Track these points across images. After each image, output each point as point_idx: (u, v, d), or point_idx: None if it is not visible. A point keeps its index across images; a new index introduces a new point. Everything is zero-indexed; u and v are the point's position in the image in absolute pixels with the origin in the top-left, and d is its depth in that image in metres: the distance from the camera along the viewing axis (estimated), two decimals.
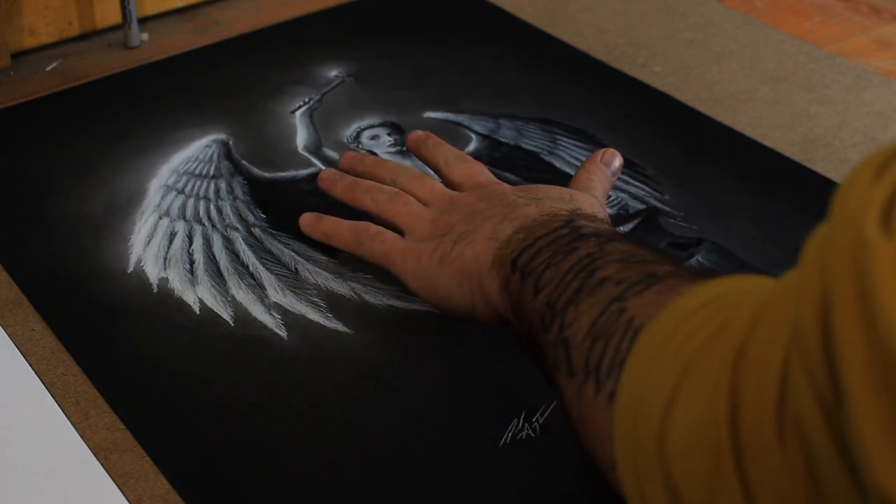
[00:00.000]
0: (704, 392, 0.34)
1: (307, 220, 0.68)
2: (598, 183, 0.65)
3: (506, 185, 0.65)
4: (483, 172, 0.67)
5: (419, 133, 0.71)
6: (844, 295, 0.28)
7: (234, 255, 0.69)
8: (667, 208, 0.74)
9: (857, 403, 0.27)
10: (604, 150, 0.68)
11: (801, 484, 0.30)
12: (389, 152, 0.79)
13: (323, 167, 0.77)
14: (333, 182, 0.69)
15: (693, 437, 0.34)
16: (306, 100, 0.85)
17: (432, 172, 0.71)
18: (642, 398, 0.38)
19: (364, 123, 0.83)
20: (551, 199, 0.60)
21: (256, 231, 0.71)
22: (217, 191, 0.75)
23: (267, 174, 0.77)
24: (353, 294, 0.67)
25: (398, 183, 0.67)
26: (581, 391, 0.45)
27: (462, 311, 0.60)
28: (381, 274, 0.68)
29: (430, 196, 0.65)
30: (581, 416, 0.46)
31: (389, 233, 0.64)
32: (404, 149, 0.79)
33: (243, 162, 0.78)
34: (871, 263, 0.27)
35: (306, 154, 0.79)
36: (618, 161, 0.68)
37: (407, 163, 0.78)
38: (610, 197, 0.74)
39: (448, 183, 0.67)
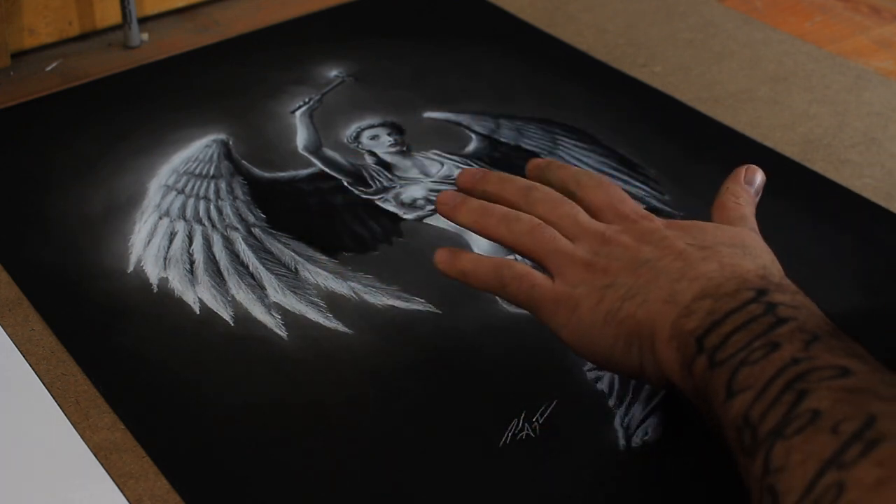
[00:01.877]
0: None
1: (443, 257, 0.58)
2: (748, 209, 0.59)
3: (658, 220, 0.57)
4: (623, 198, 0.59)
5: (540, 160, 0.63)
6: None
7: (234, 255, 0.69)
8: (667, 209, 0.74)
9: None
10: (745, 167, 0.61)
11: None
12: (389, 152, 0.79)
13: (323, 167, 0.77)
14: (456, 207, 0.59)
15: None
16: (306, 100, 0.85)
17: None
18: None
19: (364, 123, 0.83)
20: (729, 250, 0.53)
21: (256, 231, 0.71)
22: (217, 191, 0.75)
23: (267, 174, 0.77)
24: (353, 294, 0.67)
25: (535, 209, 0.58)
26: None
27: (625, 372, 0.55)
28: (381, 274, 0.68)
29: (577, 230, 0.57)
30: None
31: (539, 275, 0.56)
32: (404, 149, 0.79)
33: (243, 162, 0.78)
34: None
35: (306, 154, 0.79)
36: (760, 177, 0.61)
37: (408, 163, 0.78)
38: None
39: (586, 208, 0.59)
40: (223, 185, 0.75)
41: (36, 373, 0.61)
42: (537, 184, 0.60)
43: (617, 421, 0.59)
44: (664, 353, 0.51)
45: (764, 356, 0.46)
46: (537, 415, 0.59)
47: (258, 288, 0.67)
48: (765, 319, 0.47)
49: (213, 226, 0.72)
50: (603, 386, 0.61)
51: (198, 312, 0.65)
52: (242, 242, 0.70)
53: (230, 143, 0.80)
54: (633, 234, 0.56)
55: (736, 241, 0.54)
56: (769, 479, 0.42)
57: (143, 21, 0.93)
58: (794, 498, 0.41)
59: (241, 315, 0.65)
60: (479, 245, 0.69)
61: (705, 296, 0.50)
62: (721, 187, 0.60)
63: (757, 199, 0.60)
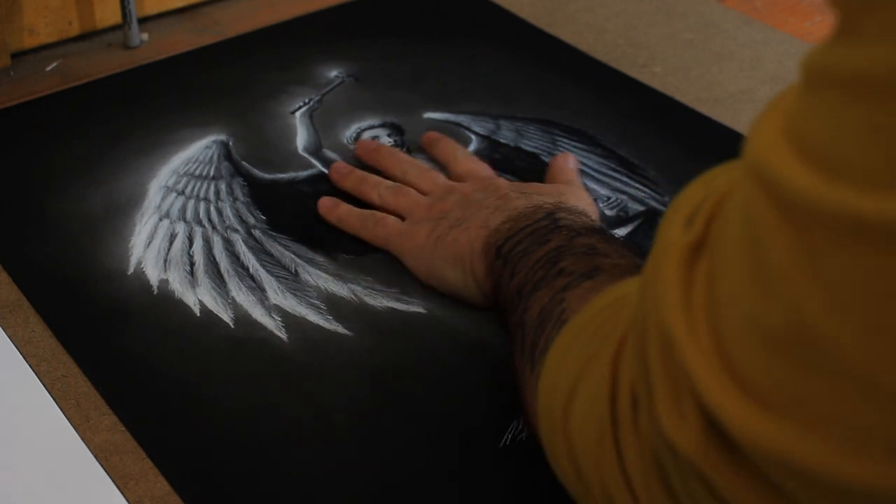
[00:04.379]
0: (597, 376, 0.41)
1: (326, 204, 0.72)
2: (575, 175, 0.73)
3: (503, 179, 0.70)
4: (485, 169, 0.73)
5: (434, 133, 0.78)
6: (650, 299, 0.35)
7: (235, 256, 0.69)
8: (666, 210, 0.74)
9: (652, 370, 0.34)
10: (561, 155, 0.76)
11: (648, 451, 0.36)
12: None
13: (323, 168, 0.77)
14: (344, 175, 0.74)
15: (587, 414, 0.41)
16: (306, 100, 0.85)
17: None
18: (556, 382, 0.45)
19: (364, 124, 0.83)
20: (540, 194, 0.65)
21: (256, 233, 0.71)
22: (217, 192, 0.75)
23: (267, 175, 0.77)
24: (353, 296, 0.67)
25: (407, 175, 0.73)
26: (525, 371, 0.52)
27: (455, 291, 0.65)
28: (381, 276, 0.68)
29: (432, 187, 0.71)
30: (524, 392, 0.52)
31: (391, 218, 0.69)
32: (404, 149, 0.79)
33: (243, 163, 0.78)
34: (665, 262, 0.34)
35: (306, 155, 0.79)
36: (572, 159, 0.75)
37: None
38: (610, 199, 0.74)
39: (452, 176, 0.73)
40: (223, 187, 0.75)
41: (36, 374, 0.61)
42: (414, 159, 0.75)
43: None
44: (477, 265, 0.62)
45: (537, 248, 0.57)
46: None
47: (258, 290, 0.67)
48: (546, 226, 0.59)
49: (214, 227, 0.72)
50: None
51: (198, 314, 0.65)
52: (243, 244, 0.70)
53: (230, 143, 0.80)
54: (474, 185, 0.69)
55: (553, 191, 0.67)
56: (522, 319, 0.53)
57: (143, 21, 0.93)
58: (532, 321, 0.52)
59: (242, 317, 0.65)
60: None
61: (509, 220, 0.62)
62: (549, 167, 0.74)
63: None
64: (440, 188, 0.70)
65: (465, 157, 0.75)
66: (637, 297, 0.37)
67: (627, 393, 0.38)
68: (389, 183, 0.73)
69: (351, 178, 0.74)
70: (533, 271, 0.56)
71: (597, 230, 0.59)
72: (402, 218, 0.70)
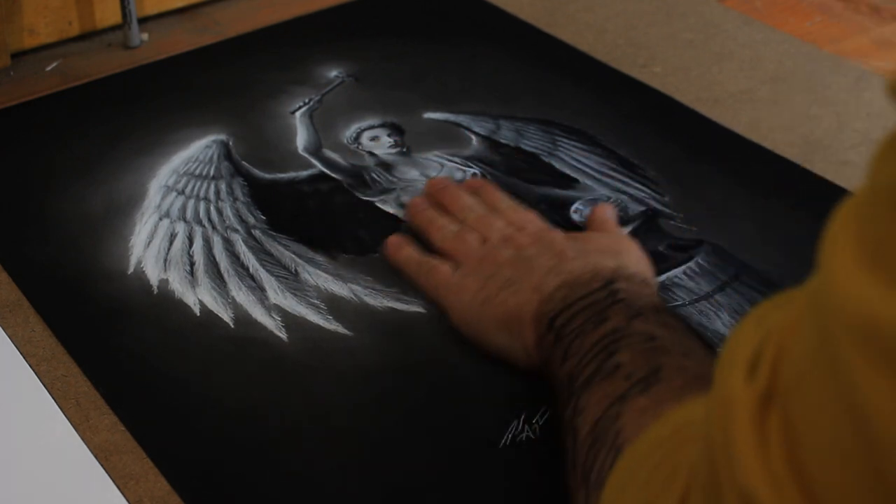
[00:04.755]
0: None
1: (395, 242, 0.69)
2: (612, 222, 0.69)
3: (558, 232, 0.66)
4: (535, 219, 0.68)
5: (476, 181, 0.74)
6: (723, 461, 0.32)
7: (235, 256, 0.69)
8: (667, 210, 0.74)
9: None
10: (602, 206, 0.71)
11: None
12: (389, 153, 0.79)
13: (323, 168, 0.77)
14: (418, 212, 0.72)
15: None
16: (306, 100, 0.85)
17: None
18: None
19: (364, 124, 0.83)
20: (599, 253, 0.62)
21: (256, 233, 0.71)
22: (217, 192, 0.75)
23: (267, 175, 0.77)
24: (352, 296, 0.67)
25: (467, 219, 0.69)
26: (576, 487, 0.49)
27: (501, 354, 0.61)
28: (381, 276, 0.68)
29: (489, 233, 0.67)
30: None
31: (444, 266, 0.66)
32: (404, 150, 0.79)
33: (243, 163, 0.78)
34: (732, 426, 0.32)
35: (306, 155, 0.79)
36: (610, 210, 0.71)
37: (408, 164, 0.78)
38: (610, 199, 0.74)
39: (517, 225, 0.68)
40: (223, 187, 0.75)
41: (36, 374, 0.61)
42: (477, 202, 0.71)
43: None
44: (527, 333, 0.59)
45: (594, 328, 0.54)
46: (537, 416, 0.59)
47: (258, 290, 0.67)
48: (604, 301, 0.56)
49: (214, 227, 0.72)
50: None
51: (198, 314, 0.65)
52: (243, 244, 0.70)
53: (230, 143, 0.80)
54: (530, 237, 0.65)
55: (613, 247, 0.63)
56: (574, 420, 0.50)
57: (143, 21, 0.93)
58: (587, 429, 0.49)
59: (242, 317, 0.65)
60: None
61: (564, 286, 0.58)
62: (591, 219, 0.70)
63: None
64: (496, 236, 0.67)
65: (509, 208, 0.70)
66: (702, 446, 0.34)
67: None
68: (454, 228, 0.69)
69: (422, 216, 0.71)
70: (585, 361, 0.52)
71: (658, 309, 0.55)
72: (456, 263, 0.67)
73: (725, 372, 0.33)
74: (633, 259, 0.63)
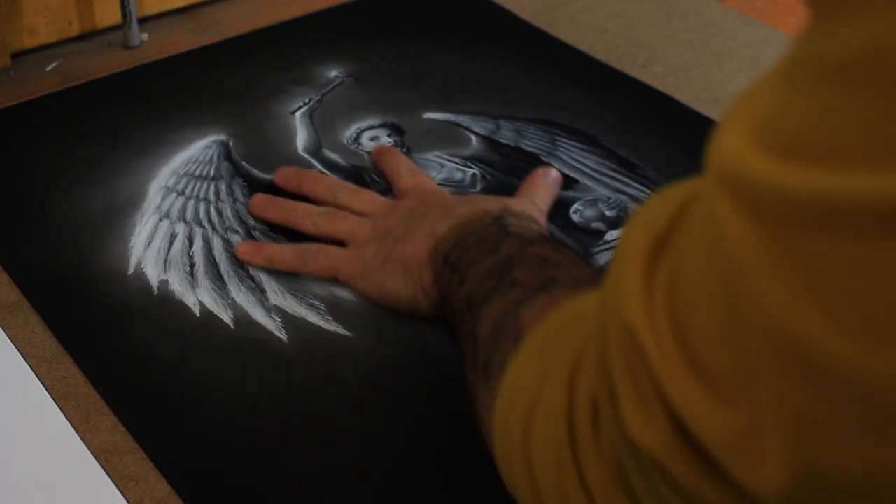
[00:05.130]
0: (554, 396, 0.39)
1: (246, 249, 0.68)
2: (542, 191, 0.71)
3: (446, 191, 0.70)
4: (429, 182, 0.72)
5: (383, 147, 0.77)
6: (611, 302, 0.34)
7: (235, 257, 0.69)
8: None
9: (616, 374, 0.33)
10: (541, 168, 0.74)
11: (612, 466, 0.36)
12: None
13: (323, 169, 0.77)
14: (266, 208, 0.71)
15: (545, 434, 0.40)
16: (306, 100, 0.85)
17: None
18: (514, 400, 0.44)
19: (364, 124, 0.83)
20: (484, 200, 0.65)
21: (256, 234, 0.71)
22: (217, 192, 0.75)
23: (267, 175, 0.77)
24: (353, 296, 0.67)
25: (339, 199, 0.70)
26: (479, 384, 0.50)
27: (407, 307, 0.63)
28: None
29: (370, 207, 0.69)
30: (478, 406, 0.51)
31: (332, 247, 0.67)
32: (404, 150, 0.79)
33: (243, 163, 0.78)
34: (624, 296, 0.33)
35: (306, 155, 0.79)
36: (554, 172, 0.74)
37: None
38: (609, 199, 0.74)
39: (397, 192, 0.71)
40: (223, 187, 0.75)
41: (36, 375, 0.61)
42: (342, 181, 0.73)
43: None
44: (425, 275, 0.61)
45: (488, 255, 0.55)
46: None
47: (258, 291, 0.67)
48: (496, 234, 0.57)
49: (214, 228, 0.72)
50: None
51: (198, 315, 0.65)
52: None
53: (230, 143, 0.80)
54: (417, 198, 0.68)
55: (498, 199, 0.66)
56: (474, 331, 0.52)
57: (143, 21, 0.93)
58: (488, 329, 0.50)
59: (242, 317, 0.65)
60: None
61: (456, 227, 0.60)
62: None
63: (556, 189, 0.73)
64: (380, 207, 0.68)
65: (410, 173, 0.72)
66: (597, 305, 0.36)
67: (587, 406, 0.37)
68: (322, 209, 0.69)
69: (277, 208, 0.70)
70: (483, 281, 0.54)
71: (548, 239, 0.58)
72: (342, 245, 0.67)
73: (627, 230, 0.35)
74: (518, 203, 0.66)
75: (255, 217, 0.72)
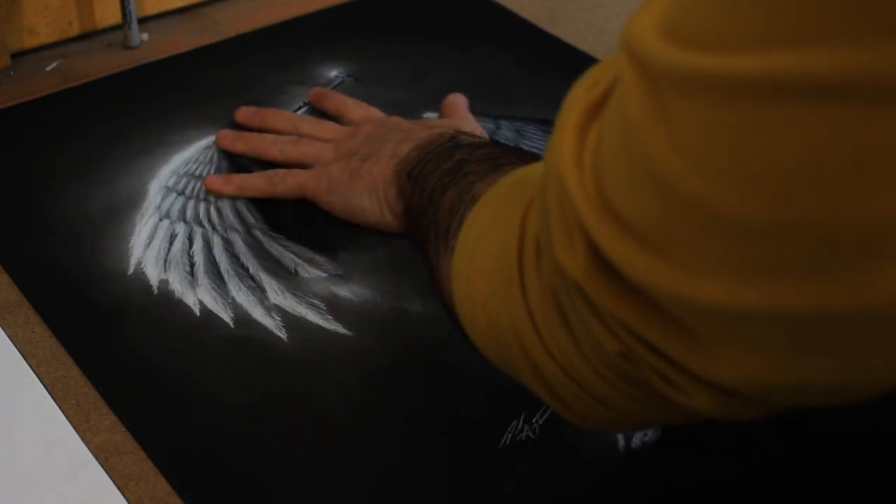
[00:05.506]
0: (504, 236, 0.46)
1: (215, 180, 0.73)
2: (468, 115, 0.78)
3: (400, 118, 0.75)
4: (378, 112, 0.78)
5: (321, 89, 0.82)
6: (553, 154, 0.40)
7: (235, 257, 0.69)
8: None
9: (550, 214, 0.39)
10: (450, 95, 0.80)
11: (549, 291, 0.42)
12: None
13: None
14: (234, 140, 0.76)
15: (496, 266, 0.46)
16: (306, 100, 0.85)
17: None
18: (465, 243, 0.50)
19: None
20: (440, 125, 0.71)
21: (256, 233, 0.71)
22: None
23: None
24: (352, 296, 0.67)
25: (301, 129, 0.76)
26: (440, 254, 0.56)
27: (373, 222, 0.69)
28: (381, 276, 0.68)
29: (332, 133, 0.75)
30: (442, 277, 0.55)
31: (298, 169, 0.72)
32: None
33: (243, 163, 0.78)
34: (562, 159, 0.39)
35: None
36: (461, 96, 0.80)
37: None
38: None
39: (348, 123, 0.77)
40: None
41: (36, 374, 0.61)
42: (303, 114, 0.78)
43: None
44: (390, 192, 0.67)
45: (444, 163, 0.62)
46: (537, 416, 0.59)
47: (258, 290, 0.67)
48: (449, 147, 0.64)
49: (214, 228, 0.72)
50: None
51: (198, 314, 0.65)
52: (242, 244, 0.70)
53: None
54: (376, 125, 0.74)
55: (451, 123, 0.72)
56: (435, 216, 0.58)
57: (143, 21, 0.93)
58: (445, 209, 0.57)
59: (242, 317, 0.65)
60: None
61: (416, 148, 0.66)
62: (441, 105, 0.79)
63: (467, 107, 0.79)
64: (342, 132, 0.74)
65: (357, 105, 0.78)
66: (545, 159, 0.41)
67: (532, 242, 0.43)
68: (287, 137, 0.75)
69: (243, 140, 0.76)
70: (441, 179, 0.60)
71: (497, 143, 0.65)
72: (306, 166, 0.73)
73: (573, 88, 0.40)
74: (469, 127, 0.72)
75: (254, 216, 0.72)
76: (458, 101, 0.79)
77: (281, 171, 0.72)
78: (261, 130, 0.77)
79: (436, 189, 0.60)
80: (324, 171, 0.71)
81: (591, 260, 0.37)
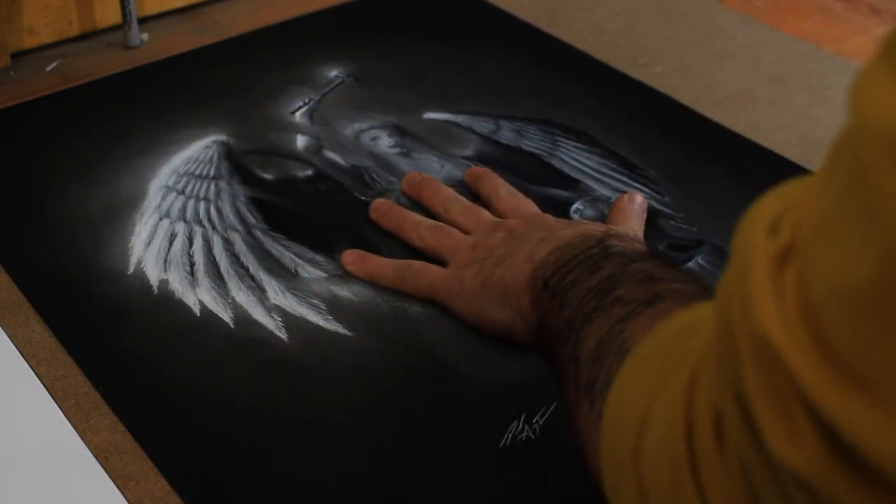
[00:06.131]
0: (669, 411, 0.37)
1: (351, 259, 0.68)
2: (634, 217, 0.70)
3: (549, 215, 0.68)
4: (531, 205, 0.70)
5: (479, 169, 0.76)
6: (738, 312, 0.32)
7: (235, 256, 0.69)
8: (667, 210, 0.74)
9: (750, 388, 0.30)
10: (626, 194, 0.72)
11: (740, 485, 0.33)
12: (389, 153, 0.79)
13: (323, 169, 0.77)
14: (384, 213, 0.72)
15: (660, 453, 0.37)
16: (306, 100, 0.85)
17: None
18: (622, 418, 0.41)
19: (364, 124, 0.83)
20: (588, 224, 0.63)
21: (256, 233, 0.71)
22: (217, 192, 0.75)
23: (267, 175, 0.77)
24: (353, 296, 0.67)
25: (450, 214, 0.70)
26: (581, 407, 0.48)
27: (504, 332, 0.62)
28: None
29: (476, 225, 0.68)
30: (581, 431, 0.48)
31: (432, 266, 0.67)
32: (404, 150, 0.79)
33: (243, 163, 0.78)
34: (751, 283, 0.31)
35: (306, 155, 0.79)
36: (640, 198, 0.71)
37: (408, 164, 0.78)
38: (610, 199, 0.74)
39: (497, 214, 0.70)
40: (223, 186, 0.75)
41: (36, 374, 0.61)
42: (458, 195, 0.72)
43: None
44: (523, 300, 0.59)
45: (589, 276, 0.54)
46: (537, 416, 0.59)
47: (258, 290, 0.67)
48: (597, 254, 0.55)
49: (214, 227, 0.72)
50: None
51: (198, 314, 0.65)
52: (242, 244, 0.70)
53: (230, 143, 0.80)
54: (521, 220, 0.67)
55: (601, 224, 0.64)
56: (575, 352, 0.50)
57: (143, 21, 0.93)
58: (587, 354, 0.48)
59: (242, 317, 0.65)
60: None
61: (556, 250, 0.58)
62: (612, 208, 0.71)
63: (643, 215, 0.71)
64: (484, 226, 0.68)
65: (509, 195, 0.72)
66: (713, 317, 0.34)
67: (709, 422, 0.34)
68: (430, 222, 0.70)
69: (391, 215, 0.72)
70: (585, 301, 0.52)
71: (654, 256, 0.55)
72: (444, 261, 0.67)
73: (745, 233, 0.33)
74: (621, 227, 0.65)
75: (254, 216, 0.72)
76: (627, 205, 0.70)
77: (415, 266, 0.67)
78: (415, 202, 0.74)
79: (577, 314, 0.52)
80: (456, 276, 0.65)
81: (825, 449, 0.28)
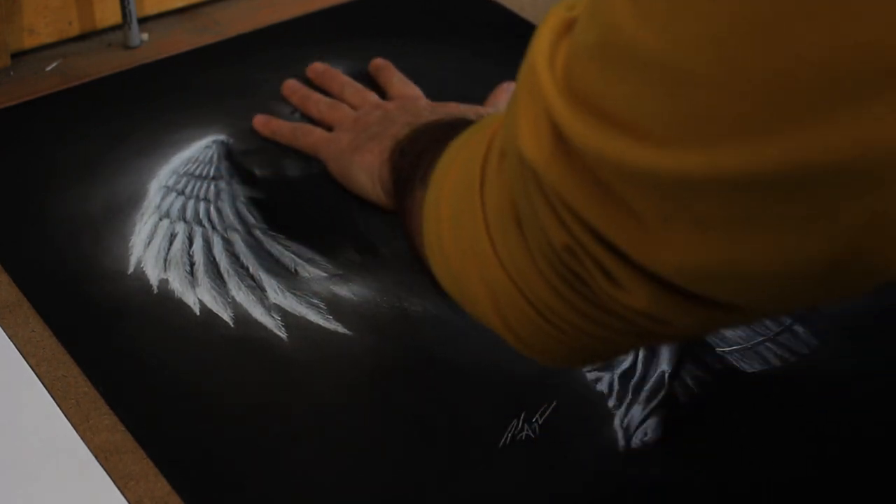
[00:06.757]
0: (471, 153, 0.47)
1: (260, 120, 0.81)
2: (504, 100, 0.79)
3: (426, 100, 0.80)
4: (414, 90, 0.82)
5: (380, 60, 0.87)
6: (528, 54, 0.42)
7: (234, 256, 0.69)
8: None
9: (520, 118, 0.40)
10: (506, 82, 0.81)
11: (507, 194, 0.43)
12: None
13: (323, 168, 0.77)
14: (293, 92, 0.84)
15: (459, 180, 0.47)
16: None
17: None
18: (434, 182, 0.51)
19: None
20: (459, 107, 0.74)
21: (256, 233, 0.71)
22: (217, 192, 0.75)
23: (267, 175, 0.77)
24: (352, 295, 0.67)
25: (343, 94, 0.83)
26: (416, 198, 0.56)
27: (367, 195, 0.72)
28: (381, 275, 0.68)
29: (361, 103, 0.80)
30: (414, 220, 0.56)
31: (318, 129, 0.79)
32: None
33: (243, 163, 0.78)
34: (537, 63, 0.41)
35: (306, 155, 0.79)
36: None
37: None
38: None
39: (387, 98, 0.82)
40: (223, 186, 0.75)
41: (36, 374, 0.61)
42: (353, 81, 0.84)
43: (616, 422, 0.59)
44: (383, 172, 0.69)
45: (434, 136, 0.61)
46: (537, 415, 0.59)
47: (258, 289, 0.67)
48: (446, 127, 0.62)
49: (213, 227, 0.72)
50: (602, 387, 0.61)
51: (198, 314, 0.65)
52: (242, 244, 0.70)
53: (230, 143, 0.80)
54: (398, 103, 0.78)
55: (471, 106, 0.75)
56: (423, 175, 0.56)
57: (143, 21, 0.93)
58: (426, 170, 0.55)
59: (241, 316, 0.65)
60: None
61: (414, 132, 0.67)
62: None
63: None
64: (368, 104, 0.79)
65: (400, 81, 0.83)
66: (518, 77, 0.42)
67: (497, 151, 0.44)
68: (328, 100, 0.82)
69: (298, 94, 0.84)
70: (428, 145, 0.60)
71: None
72: (332, 128, 0.78)
73: (552, 9, 0.41)
74: (488, 110, 0.75)
75: (253, 216, 0.73)
76: (504, 90, 0.81)
77: (307, 127, 0.79)
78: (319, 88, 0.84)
79: (422, 154, 0.61)
80: (335, 139, 0.76)
81: (552, 145, 0.39)
